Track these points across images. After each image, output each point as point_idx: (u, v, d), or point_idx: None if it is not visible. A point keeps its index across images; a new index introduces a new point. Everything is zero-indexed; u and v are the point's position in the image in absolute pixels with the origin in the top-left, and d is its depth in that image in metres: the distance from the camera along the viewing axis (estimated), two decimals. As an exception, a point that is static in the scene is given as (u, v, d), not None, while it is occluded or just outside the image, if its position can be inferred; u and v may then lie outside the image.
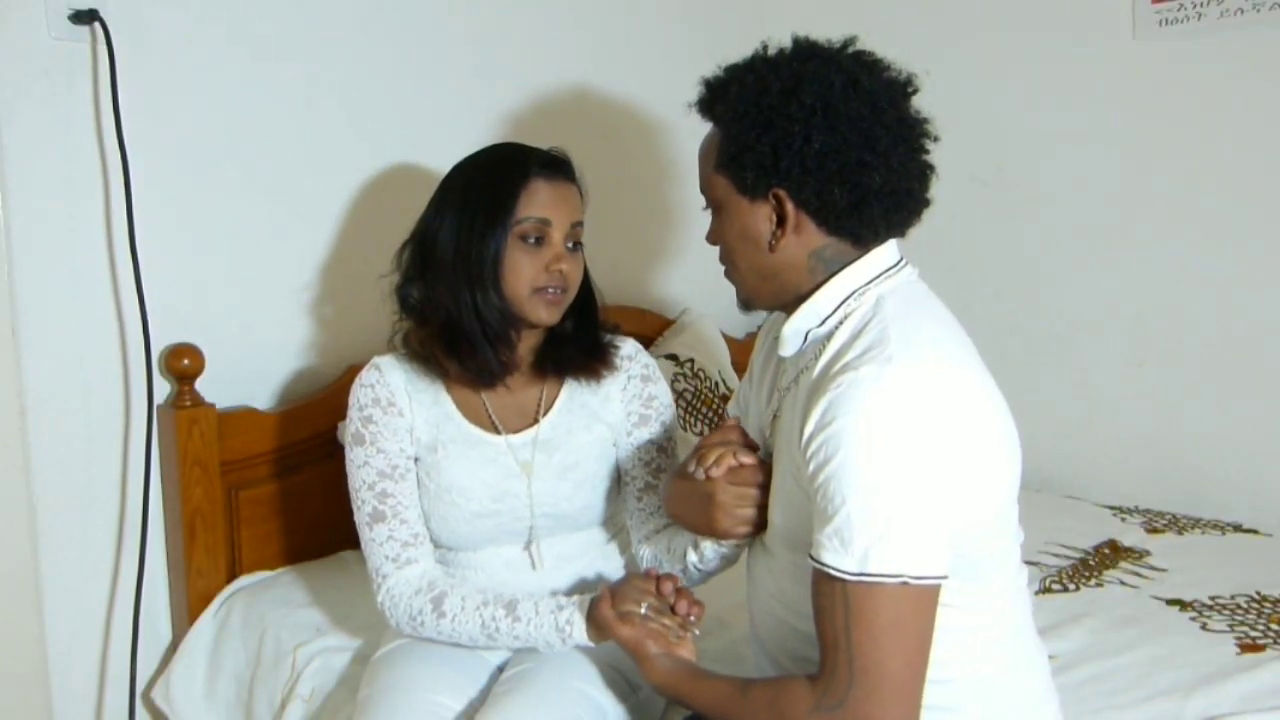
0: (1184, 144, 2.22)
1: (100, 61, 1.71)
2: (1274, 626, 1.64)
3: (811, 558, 1.05)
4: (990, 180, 2.45)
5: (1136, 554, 1.95)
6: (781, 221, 1.14)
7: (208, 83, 1.84)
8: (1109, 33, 2.28)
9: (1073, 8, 2.32)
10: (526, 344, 1.46)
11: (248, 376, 1.93)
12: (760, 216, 1.16)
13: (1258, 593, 1.76)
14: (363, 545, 1.43)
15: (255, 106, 1.90)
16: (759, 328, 2.76)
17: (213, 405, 1.82)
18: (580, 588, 1.46)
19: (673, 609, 1.27)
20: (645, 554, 1.46)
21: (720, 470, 1.23)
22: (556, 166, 1.43)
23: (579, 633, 1.30)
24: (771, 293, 1.20)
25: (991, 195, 2.46)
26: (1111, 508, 2.23)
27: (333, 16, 1.99)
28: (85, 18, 1.67)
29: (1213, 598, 1.74)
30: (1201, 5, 2.15)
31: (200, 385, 1.82)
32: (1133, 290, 2.32)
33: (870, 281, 1.15)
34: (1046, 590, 1.79)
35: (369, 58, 2.04)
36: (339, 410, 1.93)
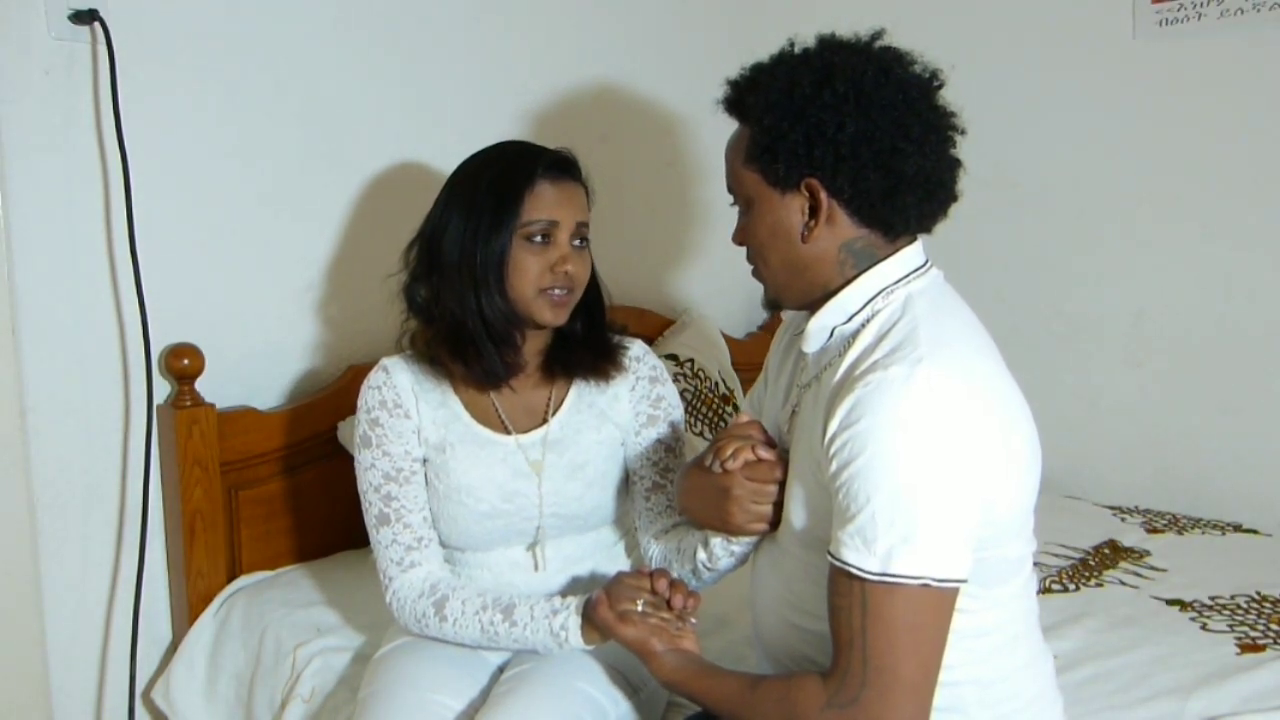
0: (1184, 144, 2.22)
1: (100, 61, 1.71)
2: (1274, 626, 1.64)
3: (831, 555, 1.05)
4: (990, 180, 2.44)
5: (1136, 554, 1.95)
6: (814, 212, 1.14)
7: (208, 82, 1.84)
8: (1109, 33, 2.28)
9: (1073, 8, 2.33)
10: (533, 345, 1.46)
11: (248, 376, 1.93)
12: (793, 208, 1.15)
13: (1258, 593, 1.76)
14: (372, 545, 1.44)
15: (256, 106, 1.89)
16: (759, 327, 2.78)
17: (213, 405, 1.82)
18: (584, 589, 1.45)
19: (668, 603, 1.27)
20: (655, 553, 1.45)
21: (737, 463, 1.21)
22: (563, 167, 1.43)
23: (574, 638, 1.30)
24: (801, 289, 1.19)
25: (991, 195, 2.46)
26: (1111, 508, 2.23)
27: (336, 14, 1.98)
28: (85, 18, 1.67)
29: (1213, 598, 1.74)
30: (1201, 5, 2.15)
31: (200, 385, 1.82)
32: (1133, 290, 2.32)
33: (899, 281, 1.14)
34: (1046, 590, 1.79)
35: (373, 55, 2.04)
36: (339, 410, 1.94)
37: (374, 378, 1.47)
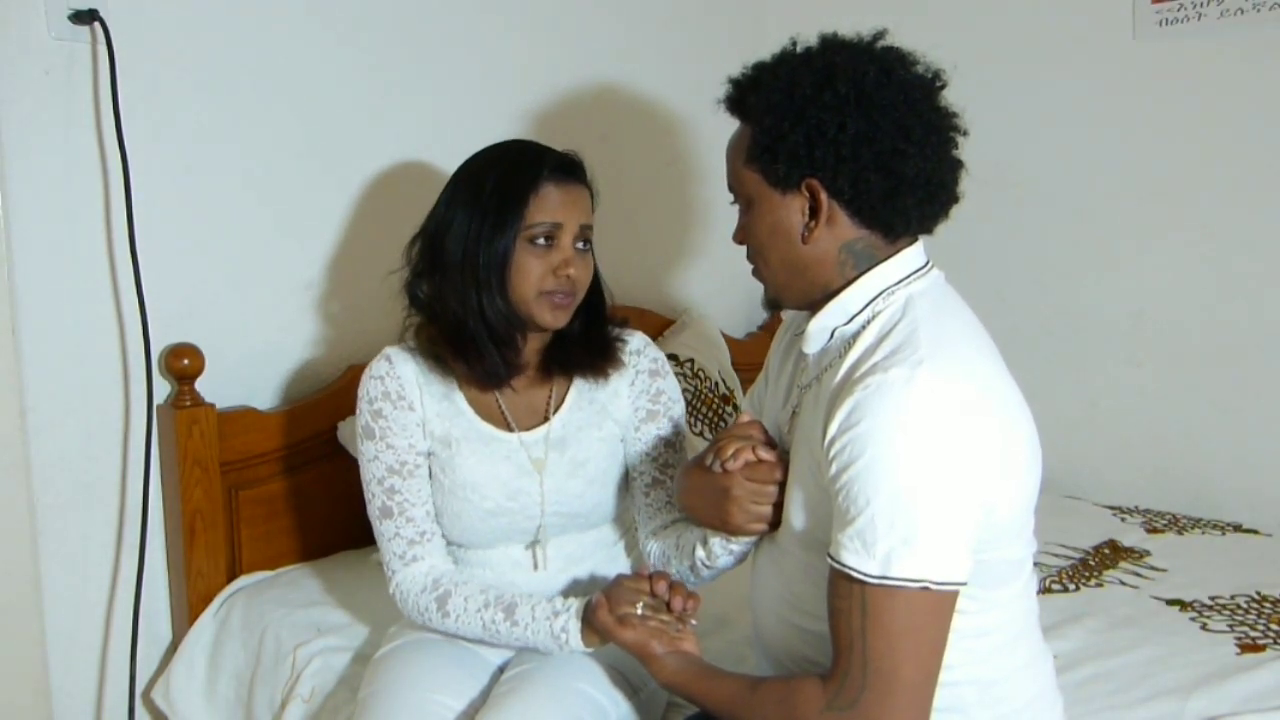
0: (1184, 144, 2.22)
1: (100, 61, 1.70)
2: (1274, 626, 1.64)
3: (831, 558, 1.05)
4: (990, 180, 2.44)
5: (1136, 554, 1.95)
6: (815, 213, 1.13)
7: (208, 82, 1.84)
8: (1109, 33, 2.28)
9: (1073, 8, 2.33)
10: (533, 345, 1.46)
11: (248, 376, 1.93)
12: (793, 209, 1.15)
13: (1258, 593, 1.76)
14: (375, 536, 1.44)
15: (256, 106, 1.89)
16: (759, 327, 2.78)
17: (213, 405, 1.82)
18: (585, 589, 1.46)
19: (668, 605, 1.27)
20: (654, 550, 1.45)
21: (738, 464, 1.21)
22: (568, 169, 1.42)
23: (575, 640, 1.30)
24: (801, 289, 1.19)
25: (991, 195, 2.45)
26: (1111, 508, 2.23)
27: (336, 14, 1.98)
28: (85, 18, 1.67)
29: (1213, 598, 1.75)
30: (1201, 5, 2.15)
31: (200, 385, 1.82)
32: (1133, 290, 2.32)
33: (900, 282, 1.14)
34: (1046, 590, 1.79)
35: (373, 55, 2.04)
36: (339, 410, 1.94)
37: (376, 367, 1.46)
